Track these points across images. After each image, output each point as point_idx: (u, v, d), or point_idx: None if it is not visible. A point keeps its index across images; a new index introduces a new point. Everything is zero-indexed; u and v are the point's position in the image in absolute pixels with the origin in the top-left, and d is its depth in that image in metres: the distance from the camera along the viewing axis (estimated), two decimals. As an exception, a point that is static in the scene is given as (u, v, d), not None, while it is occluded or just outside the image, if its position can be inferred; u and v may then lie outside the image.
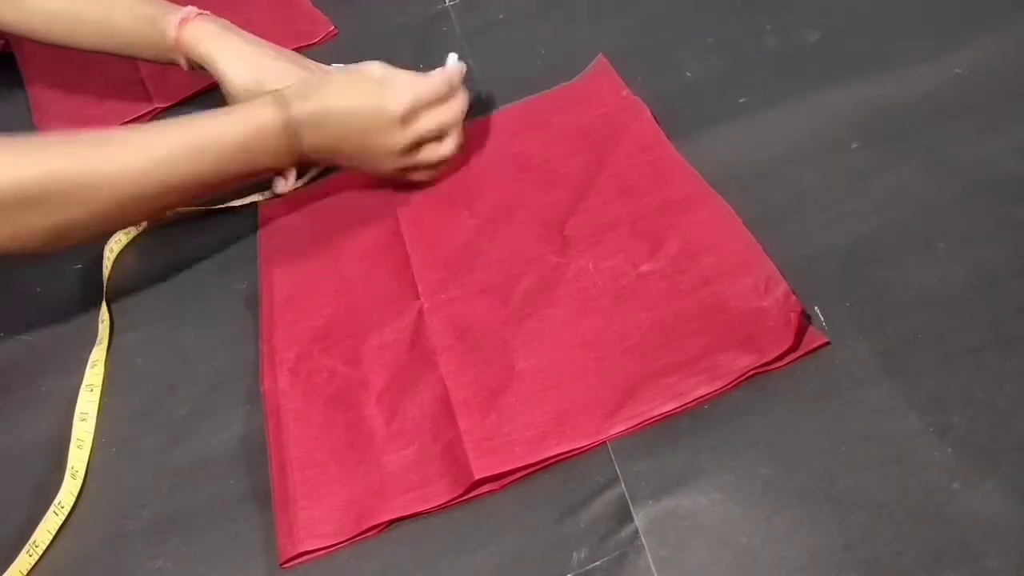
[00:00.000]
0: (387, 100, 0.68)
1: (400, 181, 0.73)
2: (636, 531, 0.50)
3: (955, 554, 0.45)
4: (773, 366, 0.54)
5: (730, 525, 0.49)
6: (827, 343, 0.54)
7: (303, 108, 0.68)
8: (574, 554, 0.51)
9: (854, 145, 0.65)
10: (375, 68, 0.70)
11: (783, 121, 0.68)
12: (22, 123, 0.92)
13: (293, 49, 0.91)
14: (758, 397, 0.53)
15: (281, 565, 0.54)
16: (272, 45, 0.79)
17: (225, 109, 0.70)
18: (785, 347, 0.54)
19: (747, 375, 0.54)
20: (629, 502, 0.52)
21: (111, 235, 0.74)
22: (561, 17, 0.85)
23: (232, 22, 0.96)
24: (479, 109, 0.78)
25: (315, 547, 0.54)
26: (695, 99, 0.73)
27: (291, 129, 0.68)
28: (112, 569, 0.57)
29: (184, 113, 0.86)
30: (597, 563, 0.50)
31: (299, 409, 0.61)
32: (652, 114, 0.71)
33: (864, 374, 0.53)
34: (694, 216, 0.62)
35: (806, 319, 0.55)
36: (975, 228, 0.58)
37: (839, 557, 0.47)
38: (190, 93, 0.90)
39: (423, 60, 0.86)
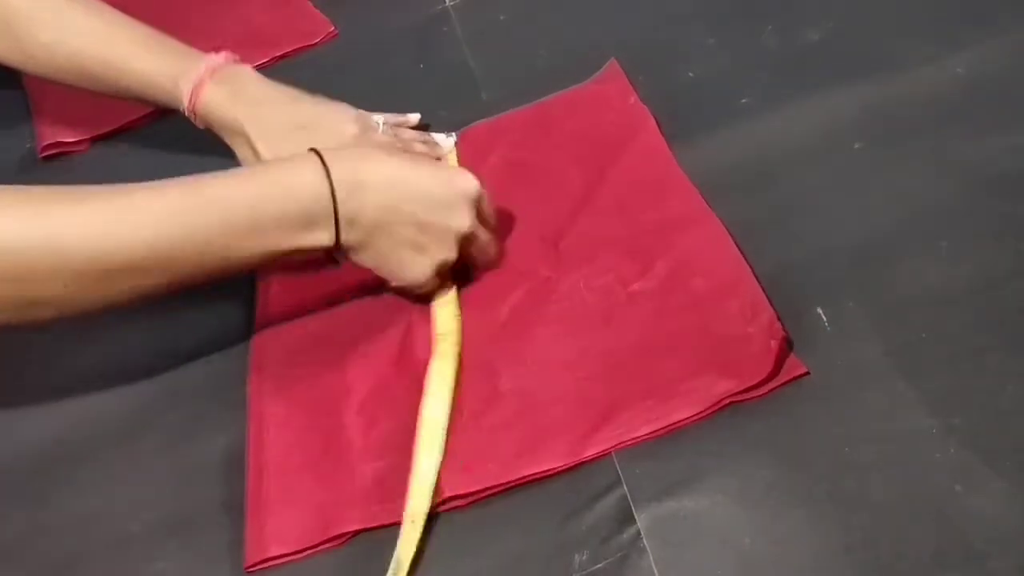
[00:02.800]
0: (456, 175, 0.61)
1: (421, 294, 0.63)
2: (638, 533, 0.50)
3: (958, 556, 0.45)
4: (752, 393, 0.53)
5: (732, 527, 0.49)
6: (807, 372, 0.53)
7: (361, 165, 0.58)
8: (576, 556, 0.50)
9: (856, 145, 0.65)
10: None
11: (785, 121, 0.68)
12: (22, 123, 0.92)
13: (293, 50, 0.92)
14: (760, 399, 0.53)
15: (245, 569, 0.54)
16: (301, 96, 0.73)
17: (246, 168, 0.61)
18: (764, 375, 0.53)
19: (724, 402, 0.53)
20: (631, 504, 0.51)
21: (105, 313, 0.57)
22: (562, 18, 0.85)
23: (232, 23, 0.96)
24: (481, 111, 0.78)
25: (281, 553, 0.55)
26: (697, 100, 0.72)
27: (342, 181, 0.57)
28: (114, 571, 0.57)
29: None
30: (599, 565, 0.50)
31: (281, 413, 0.61)
32: (656, 121, 0.70)
33: (867, 375, 0.53)
34: (688, 236, 0.62)
35: (788, 346, 0.54)
36: (978, 228, 0.58)
37: (841, 559, 0.47)
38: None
39: (423, 61, 0.86)
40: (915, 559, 0.46)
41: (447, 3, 0.91)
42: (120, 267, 0.54)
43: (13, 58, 0.76)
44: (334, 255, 0.61)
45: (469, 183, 0.61)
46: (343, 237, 0.58)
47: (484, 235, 0.62)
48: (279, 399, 0.62)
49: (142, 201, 0.55)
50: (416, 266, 0.61)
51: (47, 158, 0.88)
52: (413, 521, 0.52)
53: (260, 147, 0.69)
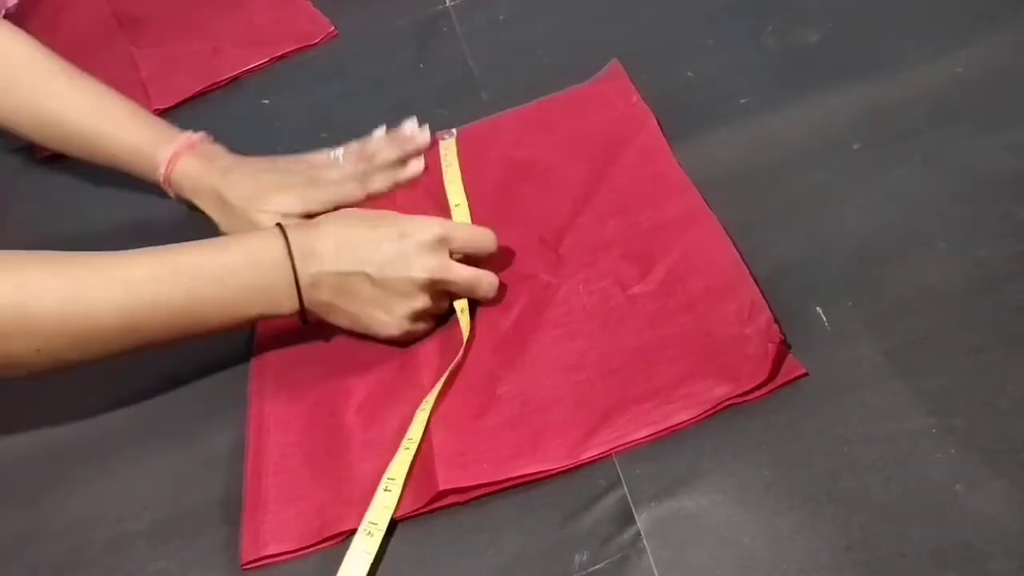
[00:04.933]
0: (410, 225, 0.60)
1: (400, 337, 0.62)
2: (638, 533, 0.50)
3: (957, 555, 0.45)
4: (749, 396, 0.53)
5: (732, 527, 0.49)
6: (805, 374, 0.53)
7: (313, 233, 0.60)
8: (576, 556, 0.51)
9: (855, 146, 0.65)
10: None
11: (784, 122, 0.68)
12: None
13: (293, 50, 0.92)
14: (759, 399, 0.53)
15: (242, 566, 0.55)
16: (266, 162, 0.74)
17: (212, 239, 0.61)
18: (762, 378, 0.53)
19: (722, 405, 0.53)
20: (631, 504, 0.52)
21: (74, 368, 0.59)
22: (562, 17, 0.85)
23: (233, 23, 0.97)
24: (481, 111, 0.78)
25: (278, 551, 0.55)
26: (696, 100, 0.73)
27: (299, 251, 0.59)
28: (114, 571, 0.57)
29: (184, 114, 0.87)
30: (599, 565, 0.50)
31: (281, 414, 0.61)
32: (657, 120, 0.70)
33: (866, 374, 0.53)
34: (686, 236, 0.62)
35: (786, 348, 0.54)
36: (976, 227, 0.58)
37: (841, 558, 0.47)
38: (190, 95, 0.90)
39: (423, 61, 0.86)
40: (915, 558, 0.46)
41: (447, 3, 0.91)
42: (90, 334, 0.57)
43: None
44: (304, 319, 0.61)
45: (425, 231, 0.60)
46: (307, 303, 0.60)
47: (462, 274, 0.61)
48: (279, 399, 0.62)
49: (114, 270, 0.58)
50: (385, 324, 0.61)
51: (46, 159, 0.88)
52: (387, 489, 0.54)
53: (236, 204, 0.70)
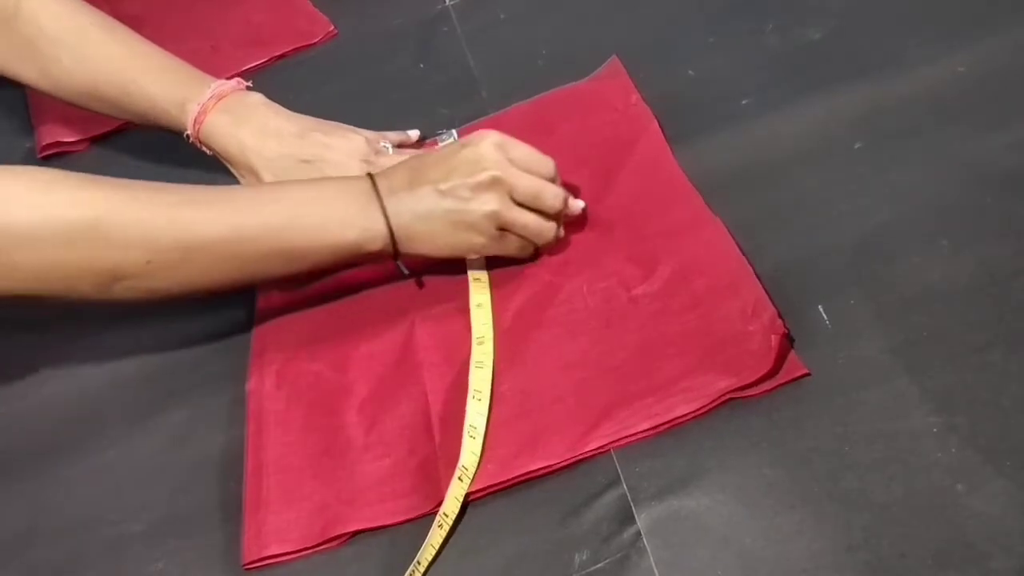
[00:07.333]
0: (475, 139, 0.62)
1: (499, 253, 0.63)
2: (638, 533, 0.50)
3: (959, 555, 0.45)
4: (751, 391, 0.53)
5: (733, 526, 0.49)
6: (807, 374, 0.53)
7: (391, 169, 0.63)
8: (576, 556, 0.50)
9: (857, 145, 0.65)
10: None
11: (785, 121, 0.68)
12: (22, 123, 0.91)
13: (293, 49, 0.92)
14: (760, 397, 0.53)
15: (244, 566, 0.55)
16: (310, 127, 0.72)
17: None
18: (763, 372, 0.53)
19: (724, 398, 0.53)
20: (631, 503, 0.51)
21: (178, 299, 0.61)
22: (562, 17, 0.85)
23: (232, 23, 0.96)
24: (481, 110, 0.78)
25: (280, 551, 0.55)
26: (697, 99, 0.72)
27: (379, 182, 0.61)
28: (112, 572, 0.57)
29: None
30: (599, 565, 0.50)
31: (281, 411, 0.61)
32: (658, 120, 0.70)
33: (868, 373, 0.53)
34: (690, 239, 0.62)
35: (789, 341, 0.54)
36: (979, 226, 0.58)
37: (842, 558, 0.46)
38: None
39: (423, 60, 0.86)
40: (916, 559, 0.46)
41: (447, 3, 0.91)
42: (200, 244, 0.58)
43: (33, 78, 0.75)
44: (395, 245, 0.61)
45: (486, 137, 0.61)
46: (392, 218, 0.60)
47: (523, 183, 0.61)
48: (279, 398, 0.62)
49: (212, 191, 0.60)
50: (467, 202, 0.60)
51: (46, 158, 0.88)
52: (440, 525, 0.53)
53: (266, 178, 0.69)
